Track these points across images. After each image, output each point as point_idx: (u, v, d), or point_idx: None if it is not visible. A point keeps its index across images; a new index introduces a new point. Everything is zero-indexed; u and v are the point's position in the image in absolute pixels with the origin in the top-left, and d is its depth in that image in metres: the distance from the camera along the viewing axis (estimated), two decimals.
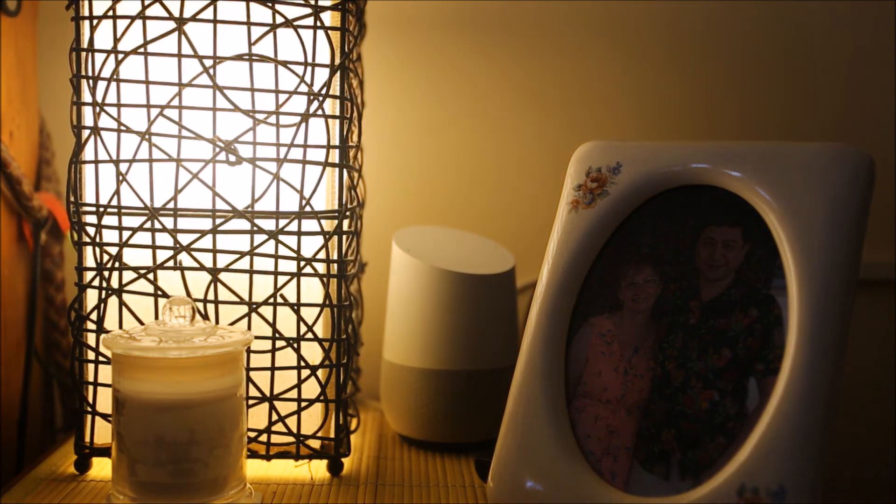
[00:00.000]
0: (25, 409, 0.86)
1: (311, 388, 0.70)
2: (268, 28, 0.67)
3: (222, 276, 0.69)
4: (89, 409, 0.70)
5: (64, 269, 0.93)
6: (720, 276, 0.60)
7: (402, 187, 1.02)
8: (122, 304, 0.69)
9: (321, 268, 0.70)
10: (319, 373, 0.70)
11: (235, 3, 0.67)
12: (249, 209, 0.68)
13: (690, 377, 0.59)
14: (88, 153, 0.69)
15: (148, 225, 0.68)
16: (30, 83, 0.90)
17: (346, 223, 0.71)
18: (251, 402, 0.69)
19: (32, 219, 0.87)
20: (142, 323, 0.68)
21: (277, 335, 0.69)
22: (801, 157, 0.60)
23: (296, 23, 0.67)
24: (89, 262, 0.70)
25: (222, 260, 0.69)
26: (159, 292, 0.69)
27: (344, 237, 0.70)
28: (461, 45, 1.01)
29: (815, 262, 0.56)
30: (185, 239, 0.68)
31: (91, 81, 0.68)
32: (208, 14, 0.67)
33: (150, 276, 0.69)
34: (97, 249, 0.69)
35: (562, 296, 0.64)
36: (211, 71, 0.67)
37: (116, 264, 0.69)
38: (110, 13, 0.67)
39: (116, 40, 0.67)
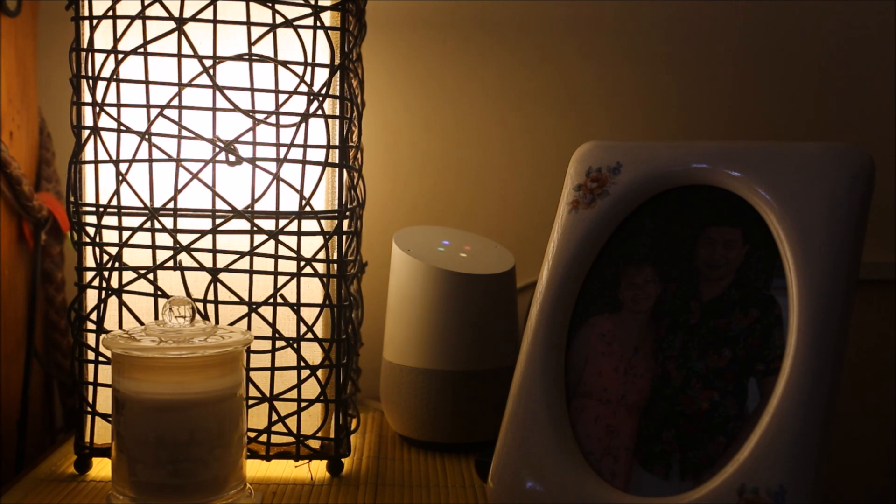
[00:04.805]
0: (25, 409, 0.86)
1: (311, 388, 0.70)
2: (268, 28, 0.67)
3: (222, 276, 0.69)
4: (89, 409, 0.70)
5: (64, 269, 0.92)
6: (720, 276, 0.60)
7: (402, 187, 1.02)
8: (121, 304, 0.69)
9: (321, 268, 0.70)
10: (319, 373, 0.70)
11: (235, 3, 0.67)
12: (249, 209, 0.68)
13: (690, 377, 0.59)
14: (88, 153, 0.69)
15: (148, 225, 0.68)
16: (30, 83, 0.90)
17: (345, 223, 0.71)
18: (251, 402, 0.69)
19: (32, 219, 0.87)
20: (142, 323, 0.68)
21: (277, 335, 0.69)
22: (801, 157, 0.60)
23: (296, 23, 0.67)
24: (89, 262, 0.70)
25: (222, 260, 0.69)
26: (159, 292, 0.69)
27: (344, 237, 0.70)
28: (462, 45, 1.01)
29: (815, 262, 0.56)
30: (185, 239, 0.68)
31: (91, 81, 0.68)
32: (208, 14, 0.67)
33: (150, 276, 0.69)
34: (97, 249, 0.69)
35: (562, 296, 0.64)
36: (211, 71, 0.67)
37: (116, 264, 0.69)
38: (110, 13, 0.67)
39: (116, 40, 0.67)
